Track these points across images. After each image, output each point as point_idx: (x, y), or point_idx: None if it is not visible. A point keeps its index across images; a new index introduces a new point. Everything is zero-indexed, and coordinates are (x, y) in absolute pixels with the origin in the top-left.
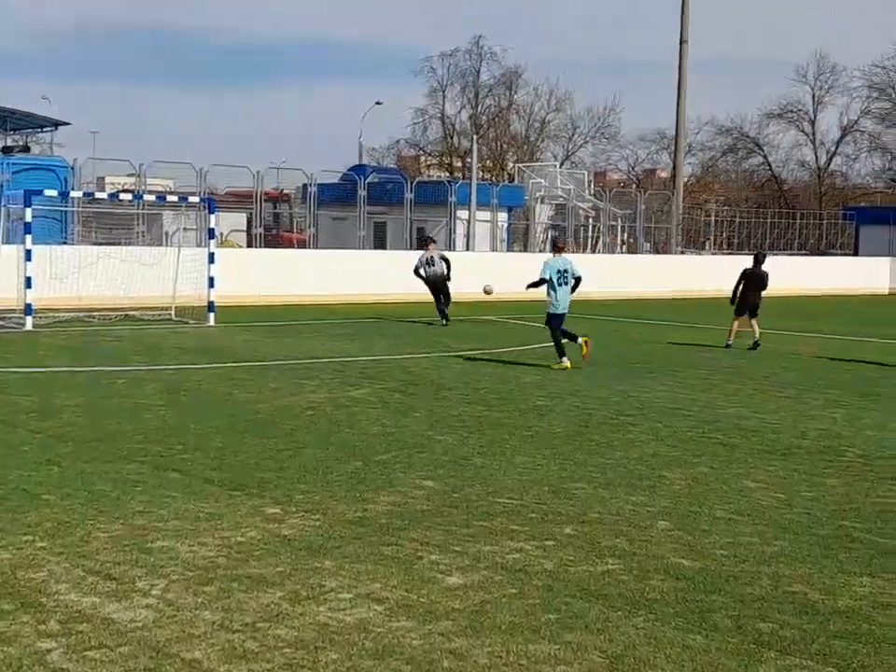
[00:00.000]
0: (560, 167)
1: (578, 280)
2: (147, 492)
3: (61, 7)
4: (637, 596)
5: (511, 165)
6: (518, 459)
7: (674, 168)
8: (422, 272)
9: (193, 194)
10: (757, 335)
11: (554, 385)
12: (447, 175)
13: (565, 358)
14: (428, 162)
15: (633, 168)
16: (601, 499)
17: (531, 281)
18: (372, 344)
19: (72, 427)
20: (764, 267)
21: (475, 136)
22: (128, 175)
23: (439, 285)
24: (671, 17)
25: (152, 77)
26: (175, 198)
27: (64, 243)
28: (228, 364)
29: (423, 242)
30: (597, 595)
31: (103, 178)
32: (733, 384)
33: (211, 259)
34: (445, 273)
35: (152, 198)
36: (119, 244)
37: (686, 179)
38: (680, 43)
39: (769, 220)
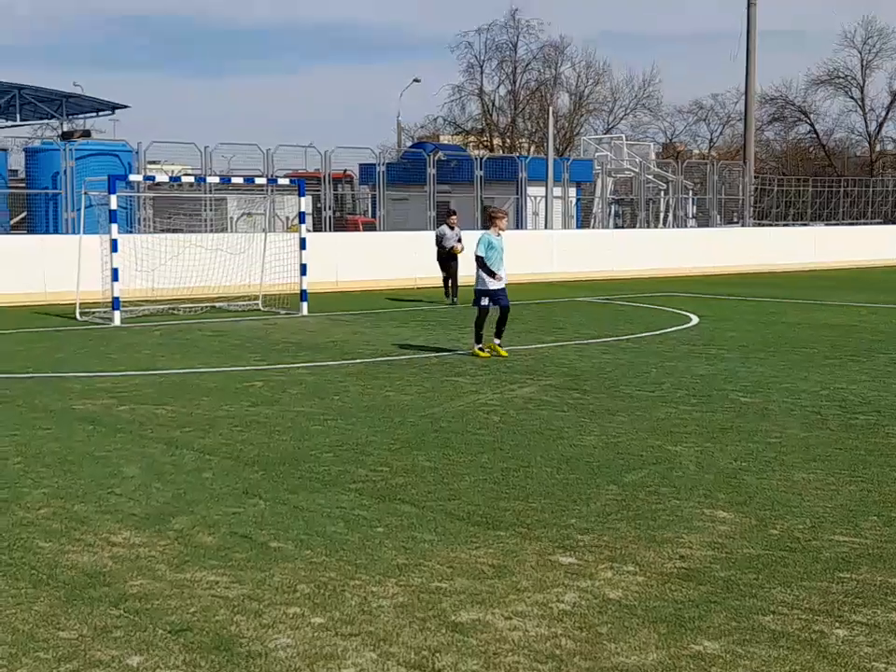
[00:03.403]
0: (601, 141)
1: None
2: (391, 535)
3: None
4: None
5: (561, 140)
6: (797, 476)
7: (744, 138)
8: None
9: (257, 176)
10: None
11: (736, 378)
12: (487, 151)
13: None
14: (466, 141)
15: (671, 140)
16: None
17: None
18: (484, 332)
19: (242, 445)
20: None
21: (551, 106)
22: (150, 163)
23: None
24: None
25: (169, 62)
26: (263, 180)
27: (130, 231)
28: (356, 361)
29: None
30: None
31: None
32: None
33: (302, 244)
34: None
35: (240, 180)
36: (182, 230)
37: (727, 150)
38: (748, 6)
39: (814, 189)
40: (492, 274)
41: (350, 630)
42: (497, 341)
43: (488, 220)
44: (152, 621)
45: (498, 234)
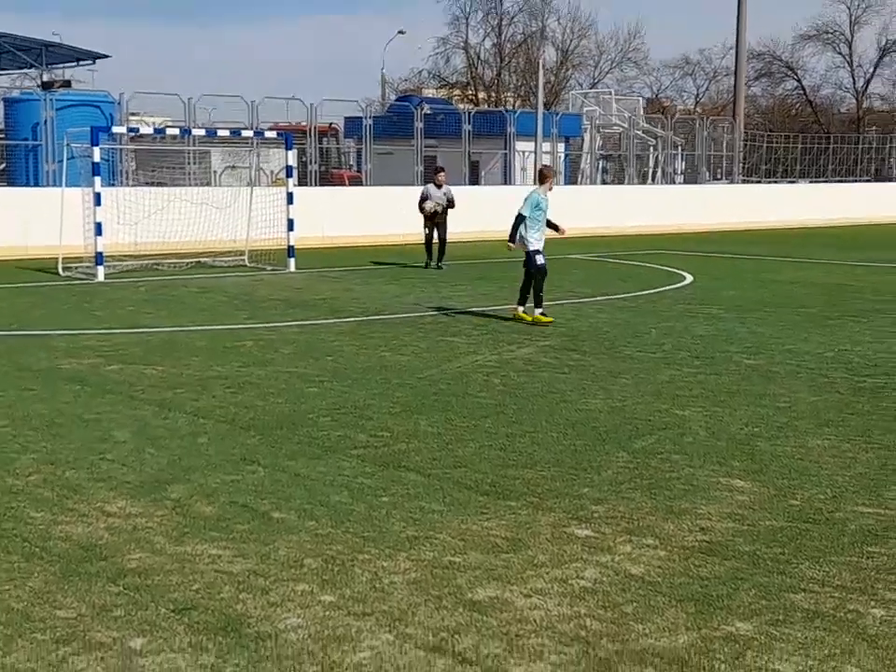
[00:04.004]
0: (587, 95)
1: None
2: (397, 504)
3: None
4: None
5: (547, 94)
6: (811, 443)
7: (734, 94)
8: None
9: (243, 129)
10: None
11: (737, 338)
12: (472, 105)
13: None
14: (450, 95)
15: (657, 96)
16: None
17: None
18: (477, 290)
19: (237, 408)
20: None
21: (541, 59)
22: (131, 115)
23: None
24: None
25: (148, 11)
26: (249, 133)
27: (112, 184)
28: (348, 319)
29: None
30: None
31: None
32: None
33: (290, 199)
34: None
35: (226, 133)
36: (165, 184)
37: (712, 106)
38: None
39: (802, 146)
40: (511, 239)
41: (363, 609)
42: (521, 308)
43: (539, 177)
44: (154, 598)
45: (545, 194)
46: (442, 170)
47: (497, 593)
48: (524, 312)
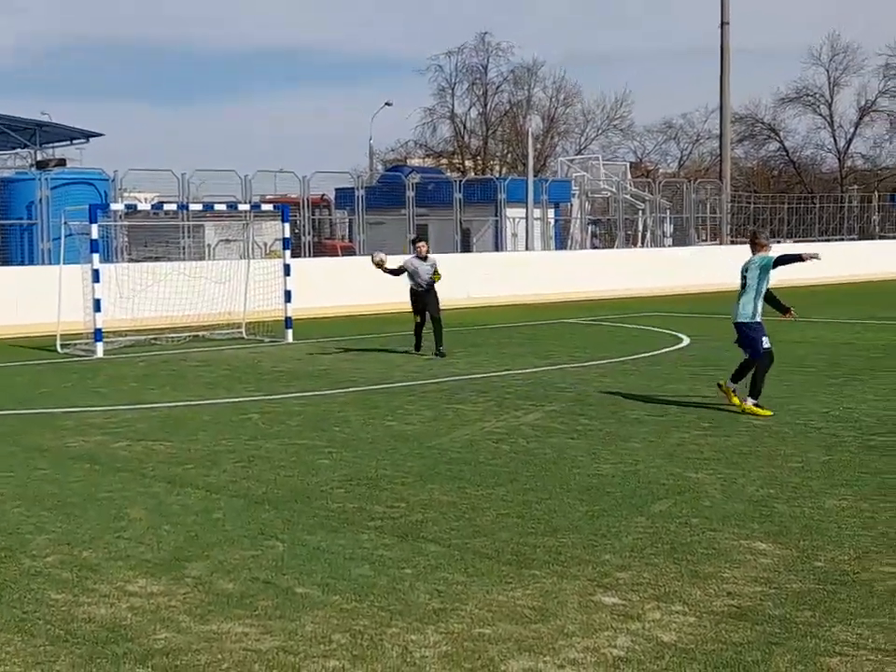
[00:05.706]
0: (573, 161)
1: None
2: (420, 576)
3: (44, 25)
4: None
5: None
6: (829, 503)
7: (721, 157)
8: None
9: (239, 203)
10: None
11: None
12: (459, 174)
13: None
14: (438, 164)
15: (640, 160)
16: None
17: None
18: (475, 358)
19: (249, 482)
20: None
21: (530, 126)
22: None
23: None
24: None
25: (135, 90)
26: (245, 207)
27: (108, 261)
28: (350, 389)
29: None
30: None
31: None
32: None
33: (287, 270)
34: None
35: (222, 207)
36: (160, 259)
37: (695, 169)
38: (721, 25)
39: (788, 206)
40: (798, 258)
41: None
42: (752, 401)
43: (756, 245)
44: None
45: None
46: (422, 239)
47: (530, 664)
48: (754, 405)
